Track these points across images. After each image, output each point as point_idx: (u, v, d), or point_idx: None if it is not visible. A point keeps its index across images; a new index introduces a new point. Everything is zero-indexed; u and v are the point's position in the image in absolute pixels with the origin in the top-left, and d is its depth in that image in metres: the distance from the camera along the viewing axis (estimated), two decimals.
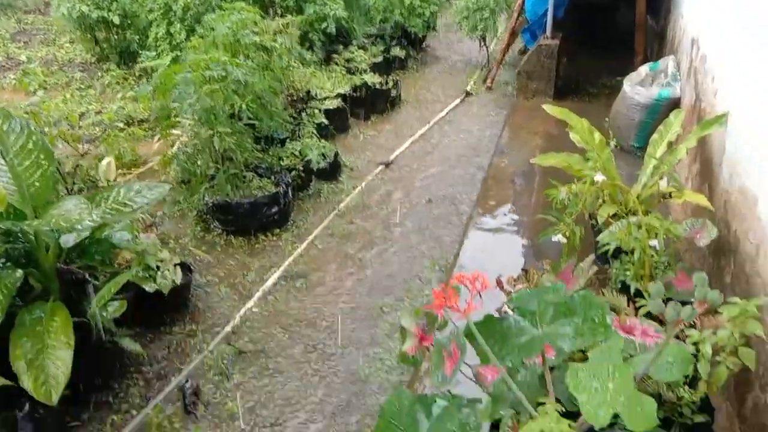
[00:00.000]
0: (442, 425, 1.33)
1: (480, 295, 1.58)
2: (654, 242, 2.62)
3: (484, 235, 4.51)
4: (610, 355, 1.39)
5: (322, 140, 5.32)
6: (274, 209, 4.49)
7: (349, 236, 4.52)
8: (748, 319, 2.20)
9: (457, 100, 6.99)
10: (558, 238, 2.88)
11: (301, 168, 4.91)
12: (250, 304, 3.83)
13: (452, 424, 1.31)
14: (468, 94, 7.18)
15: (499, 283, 3.47)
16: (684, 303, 3.04)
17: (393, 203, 4.95)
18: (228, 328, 3.63)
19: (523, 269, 3.43)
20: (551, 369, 1.72)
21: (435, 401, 1.39)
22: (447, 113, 6.67)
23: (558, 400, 1.55)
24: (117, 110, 6.05)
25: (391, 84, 6.76)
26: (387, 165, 5.53)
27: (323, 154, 5.14)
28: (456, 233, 4.51)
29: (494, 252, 4.29)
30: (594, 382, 1.34)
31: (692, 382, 2.39)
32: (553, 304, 1.62)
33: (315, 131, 5.40)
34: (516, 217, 4.78)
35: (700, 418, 2.33)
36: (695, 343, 2.31)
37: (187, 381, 3.25)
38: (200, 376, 3.31)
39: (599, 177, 2.81)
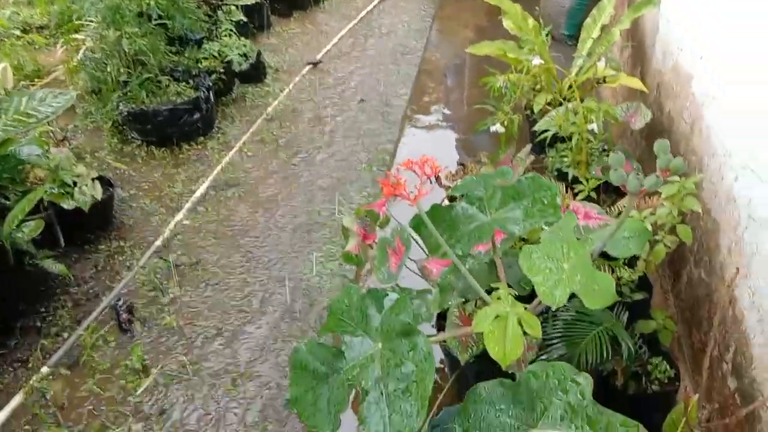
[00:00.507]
0: (395, 317, 1.26)
1: (435, 180, 1.49)
2: (592, 126, 2.59)
3: (419, 132, 4.41)
4: (564, 234, 1.34)
5: (242, 39, 4.97)
6: (196, 116, 4.21)
7: (279, 142, 4.32)
8: (686, 196, 2.22)
9: None
10: (496, 127, 2.80)
11: (222, 70, 4.59)
12: (179, 216, 3.64)
13: (405, 315, 1.25)
14: None
15: (437, 179, 3.42)
16: (620, 194, 3.09)
17: (324, 105, 4.74)
18: (158, 243, 3.45)
19: (460, 163, 3.38)
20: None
21: (387, 295, 1.32)
22: (374, 7, 6.35)
23: (509, 286, 1.52)
24: (10, 16, 5.44)
25: None
26: (315, 64, 5.26)
27: (245, 55, 4.82)
28: (391, 133, 4.39)
29: (431, 149, 4.19)
30: (549, 263, 1.30)
31: (630, 261, 2.44)
32: (501, 188, 1.55)
33: (233, 30, 5.03)
34: (451, 112, 4.69)
35: (639, 296, 2.40)
36: None
37: (119, 299, 3.10)
38: (133, 294, 3.16)
39: (537, 61, 2.71)
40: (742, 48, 2.23)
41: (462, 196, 1.60)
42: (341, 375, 1.23)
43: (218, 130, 4.41)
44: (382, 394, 1.15)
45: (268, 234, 3.52)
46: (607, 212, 2.87)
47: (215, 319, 3.01)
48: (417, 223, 1.54)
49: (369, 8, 6.30)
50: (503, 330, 1.23)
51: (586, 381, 1.26)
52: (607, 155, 3.27)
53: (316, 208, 3.71)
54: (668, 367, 2.13)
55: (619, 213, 2.46)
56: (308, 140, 4.33)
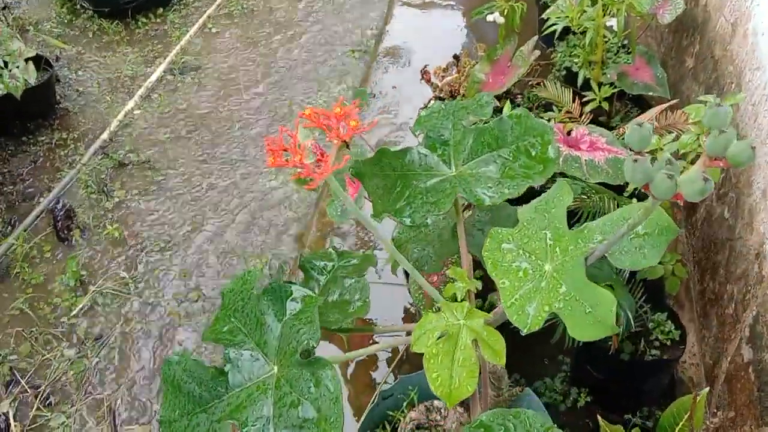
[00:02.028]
0: (296, 333, 0.89)
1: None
2: (611, 21, 2.08)
3: (411, 12, 3.79)
4: (552, 217, 0.94)
5: None
6: None
7: (251, 16, 3.75)
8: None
9: None
10: (494, 17, 2.29)
11: None
12: (130, 104, 3.19)
13: (308, 332, 0.87)
14: None
15: (425, 75, 2.92)
16: (640, 100, 2.60)
17: None
18: (105, 136, 3.04)
19: (454, 55, 2.87)
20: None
21: (291, 294, 0.94)
22: None
23: (476, 263, 1.14)
24: None
25: None
26: None
27: None
28: (379, 10, 3.79)
29: (423, 33, 3.62)
30: (524, 261, 0.91)
31: (640, 194, 2.03)
32: (473, 130, 1.13)
33: None
34: None
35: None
36: (652, 152, 1.91)
37: (57, 202, 2.74)
38: (73, 196, 2.80)
39: None
40: None
41: (423, 135, 1.17)
42: (223, 402, 0.89)
43: (179, 2, 3.83)
44: None
45: (231, 129, 3.09)
46: (619, 130, 2.43)
47: (164, 228, 2.66)
48: (356, 173, 1.14)
49: None
50: (450, 355, 0.87)
51: None
52: (627, 52, 2.76)
53: (288, 97, 3.23)
54: (673, 327, 1.80)
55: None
56: (283, 15, 3.75)
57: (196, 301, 2.42)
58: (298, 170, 2.06)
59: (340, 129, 0.96)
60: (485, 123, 1.13)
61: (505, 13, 2.21)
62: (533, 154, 1.08)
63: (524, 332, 0.86)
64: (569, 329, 0.85)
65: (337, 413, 0.81)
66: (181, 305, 2.40)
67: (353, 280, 1.16)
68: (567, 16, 2.17)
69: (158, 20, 3.70)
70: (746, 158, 0.70)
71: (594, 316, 0.84)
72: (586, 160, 1.59)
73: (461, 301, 1.07)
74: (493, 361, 0.90)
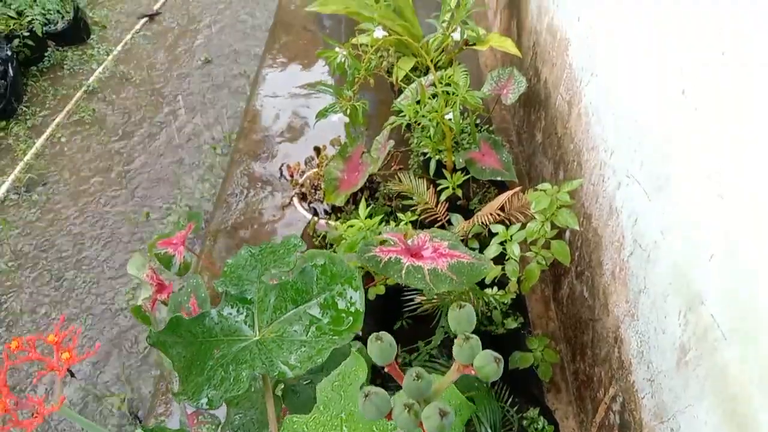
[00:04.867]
0: None
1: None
2: (449, 115, 2.08)
3: (273, 103, 3.71)
4: (348, 394, 0.83)
5: None
6: None
7: (104, 120, 3.56)
8: (559, 209, 1.78)
9: None
10: (338, 117, 2.24)
11: (27, 34, 3.71)
12: None
13: None
14: None
15: (288, 169, 2.83)
16: (493, 184, 2.61)
17: (161, 68, 3.97)
18: None
19: (315, 147, 2.81)
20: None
21: None
22: None
23: None
24: None
25: None
26: (152, 17, 4.42)
27: (58, 11, 3.93)
28: (241, 102, 3.71)
29: (286, 126, 3.54)
30: None
31: (503, 279, 2.00)
32: (275, 287, 1.02)
33: None
34: (312, 75, 4.02)
35: (513, 324, 1.99)
36: (502, 243, 1.89)
37: None
38: None
39: (379, 33, 2.15)
40: (628, 10, 1.75)
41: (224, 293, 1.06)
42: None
43: (27, 109, 3.59)
44: None
45: (79, 251, 2.85)
46: (477, 209, 2.42)
47: None
48: (154, 342, 1.00)
49: None
50: None
51: None
52: (482, 130, 2.80)
53: (146, 205, 3.05)
54: (546, 423, 1.74)
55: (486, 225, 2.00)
56: (139, 117, 3.59)
57: None
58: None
59: (58, 362, 0.80)
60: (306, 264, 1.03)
61: (347, 113, 2.16)
62: (341, 306, 0.98)
63: None
64: None
65: None
66: None
67: None
68: (408, 113, 2.15)
69: (1, 133, 3.43)
70: (492, 372, 0.62)
71: None
72: (428, 269, 1.52)
73: None
74: None
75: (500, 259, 1.92)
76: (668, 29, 1.43)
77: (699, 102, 1.27)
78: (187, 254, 1.80)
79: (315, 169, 2.73)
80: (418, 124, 2.28)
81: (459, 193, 2.33)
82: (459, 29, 2.35)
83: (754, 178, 1.07)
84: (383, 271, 1.51)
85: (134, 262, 1.83)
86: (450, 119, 2.05)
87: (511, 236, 1.86)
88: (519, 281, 1.96)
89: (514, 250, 1.85)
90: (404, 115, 2.09)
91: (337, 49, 2.22)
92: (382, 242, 1.61)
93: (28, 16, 3.68)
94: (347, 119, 2.24)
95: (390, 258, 1.53)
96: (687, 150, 1.32)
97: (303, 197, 2.73)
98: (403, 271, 1.51)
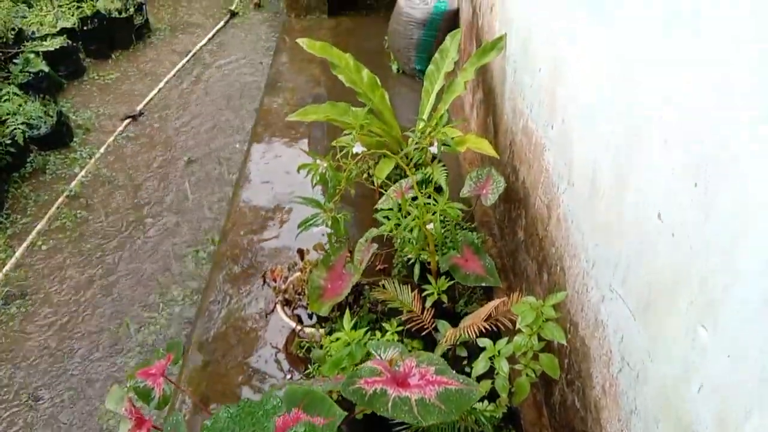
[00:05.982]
0: None
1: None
2: (429, 225, 2.10)
3: (255, 211, 3.65)
4: None
5: (40, 96, 4.13)
6: None
7: (86, 226, 3.55)
8: (545, 323, 1.77)
9: (221, 23, 5.95)
10: (321, 228, 2.25)
11: (8, 142, 3.74)
12: None
13: None
14: (233, 14, 6.15)
15: (271, 274, 2.80)
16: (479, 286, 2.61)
17: (143, 170, 4.00)
18: None
19: (299, 250, 2.80)
20: None
21: None
22: (209, 41, 5.63)
23: None
24: None
25: (133, 9, 5.50)
26: (135, 118, 4.49)
27: (40, 116, 3.99)
28: (224, 203, 3.72)
29: (269, 229, 3.48)
30: None
31: (492, 393, 1.96)
32: None
33: (27, 84, 4.18)
34: (294, 178, 4.01)
35: None
36: (490, 358, 1.86)
37: None
38: None
39: (358, 149, 2.19)
40: (602, 128, 1.79)
41: None
42: None
43: (7, 217, 3.57)
44: None
45: (59, 363, 2.77)
46: (463, 311, 2.40)
47: None
48: None
49: (203, 43, 5.58)
50: None
51: None
52: (464, 228, 2.82)
53: (127, 314, 2.99)
54: None
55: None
56: (121, 222, 3.58)
57: None
58: None
59: None
60: None
61: (329, 225, 2.17)
62: None
63: None
64: None
65: None
66: None
67: None
68: (387, 228, 2.17)
69: None
70: None
71: None
72: (416, 399, 1.48)
73: None
74: None
75: (489, 373, 1.89)
76: (639, 158, 1.46)
77: (675, 227, 1.29)
78: (167, 386, 1.75)
79: (298, 274, 2.72)
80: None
81: (444, 298, 2.31)
82: (435, 143, 2.41)
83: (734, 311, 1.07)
84: (369, 405, 1.47)
85: (113, 397, 1.78)
86: (431, 228, 2.06)
87: (498, 351, 1.84)
88: (510, 393, 1.92)
89: (503, 366, 1.83)
90: (388, 225, 2.10)
91: (317, 161, 2.25)
92: (369, 371, 1.57)
93: (10, 125, 3.71)
94: (328, 230, 2.25)
95: (375, 390, 1.49)
96: (671, 277, 1.33)
97: (287, 303, 2.70)
98: (389, 404, 1.48)
